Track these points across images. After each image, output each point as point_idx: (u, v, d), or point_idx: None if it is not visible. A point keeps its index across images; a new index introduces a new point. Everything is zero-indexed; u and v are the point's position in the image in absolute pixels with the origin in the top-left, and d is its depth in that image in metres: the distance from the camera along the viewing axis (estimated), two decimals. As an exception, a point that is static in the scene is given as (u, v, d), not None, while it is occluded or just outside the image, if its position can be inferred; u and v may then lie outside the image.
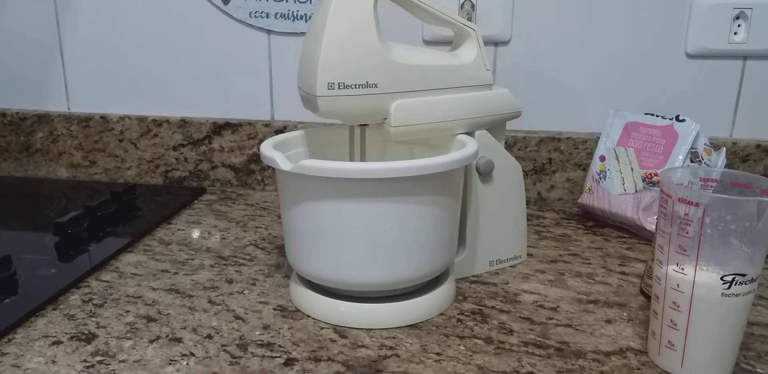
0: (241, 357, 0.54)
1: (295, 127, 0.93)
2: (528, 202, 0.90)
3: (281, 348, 0.55)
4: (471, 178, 0.66)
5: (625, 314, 0.61)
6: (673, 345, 0.51)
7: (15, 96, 1.01)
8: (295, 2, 0.90)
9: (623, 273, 0.70)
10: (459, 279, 0.68)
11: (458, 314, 0.61)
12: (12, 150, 1.02)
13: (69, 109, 1.01)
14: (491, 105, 0.66)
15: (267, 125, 0.94)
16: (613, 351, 0.55)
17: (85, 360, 0.53)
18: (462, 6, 0.85)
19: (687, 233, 0.48)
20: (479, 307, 0.62)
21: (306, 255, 0.59)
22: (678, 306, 0.50)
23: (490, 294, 0.65)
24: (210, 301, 0.63)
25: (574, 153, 0.88)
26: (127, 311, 0.61)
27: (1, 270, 0.65)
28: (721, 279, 0.48)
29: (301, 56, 0.61)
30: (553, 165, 0.89)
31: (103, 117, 0.98)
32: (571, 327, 0.59)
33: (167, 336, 0.57)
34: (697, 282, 0.48)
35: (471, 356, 0.54)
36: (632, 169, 0.80)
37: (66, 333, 0.57)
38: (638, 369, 0.52)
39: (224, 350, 0.55)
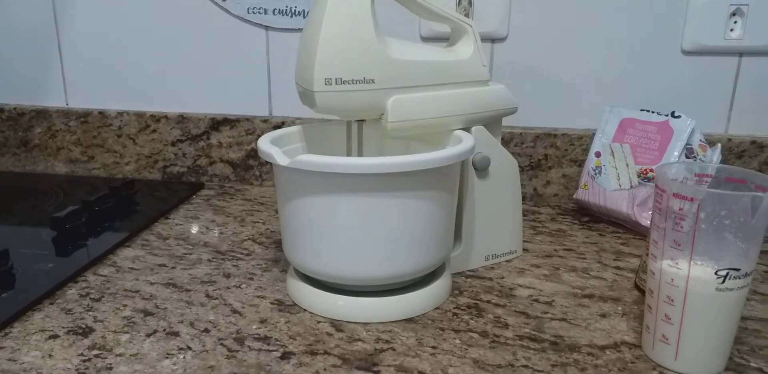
0: (237, 351, 0.54)
1: (293, 122, 0.94)
2: (524, 198, 0.91)
3: (278, 342, 0.55)
4: (467, 174, 0.66)
5: (619, 308, 0.62)
6: (667, 339, 0.51)
7: (13, 91, 1.01)
8: (292, -2, 0.90)
9: (618, 267, 0.71)
10: (455, 273, 0.68)
11: (454, 308, 0.61)
12: (10, 145, 1.02)
13: (67, 104, 1.01)
14: (488, 101, 0.67)
15: (265, 121, 0.94)
16: (608, 345, 0.55)
17: (81, 354, 0.53)
18: (459, 2, 0.85)
19: (682, 228, 0.48)
20: (475, 301, 0.63)
21: (303, 250, 0.60)
22: (672, 301, 0.50)
23: (485, 289, 0.65)
24: (207, 295, 0.63)
25: (570, 149, 0.88)
26: (125, 305, 0.61)
27: (-1, 264, 0.65)
28: (716, 273, 0.48)
29: (298, 52, 0.61)
30: (548, 161, 0.89)
31: (101, 112, 0.98)
32: (565, 321, 0.59)
33: (164, 330, 0.57)
34: (691, 277, 0.49)
35: (466, 350, 0.54)
36: (627, 165, 0.80)
37: (63, 327, 0.57)
38: (632, 362, 0.53)
39: (221, 344, 0.55)
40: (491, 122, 0.68)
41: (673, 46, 0.85)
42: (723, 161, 0.83)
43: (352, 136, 0.67)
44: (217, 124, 0.96)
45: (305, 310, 0.61)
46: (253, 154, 0.96)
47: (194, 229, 0.80)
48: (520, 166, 0.72)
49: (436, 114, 0.63)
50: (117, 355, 0.53)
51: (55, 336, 0.56)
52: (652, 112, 0.81)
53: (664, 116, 0.80)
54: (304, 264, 0.60)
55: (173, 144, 0.98)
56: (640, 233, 0.80)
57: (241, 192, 0.94)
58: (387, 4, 0.65)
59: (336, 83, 0.58)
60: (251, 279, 0.67)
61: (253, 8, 0.91)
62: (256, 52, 0.94)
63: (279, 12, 0.91)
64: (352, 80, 0.58)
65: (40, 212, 0.83)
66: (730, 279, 0.48)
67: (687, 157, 0.78)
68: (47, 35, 0.97)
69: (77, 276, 0.67)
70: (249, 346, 0.55)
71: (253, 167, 0.97)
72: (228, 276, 0.68)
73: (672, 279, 0.50)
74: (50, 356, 0.53)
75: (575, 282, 0.67)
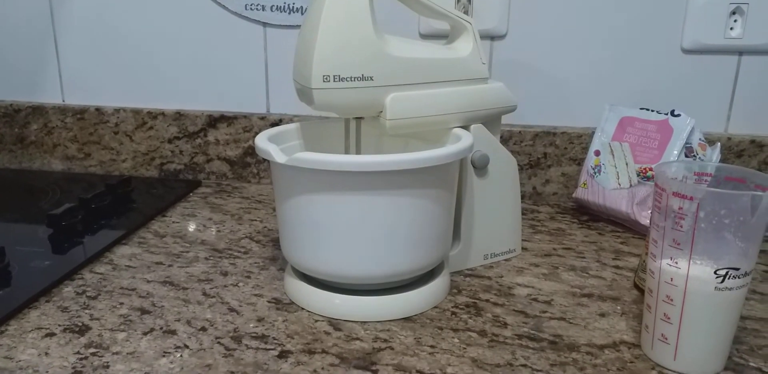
0: (235, 350, 0.54)
1: (290, 120, 0.93)
2: (523, 196, 0.91)
3: (275, 341, 0.55)
4: (466, 172, 0.66)
5: (618, 308, 0.61)
6: (666, 339, 0.51)
7: (9, 87, 1.00)
8: (291, -5, 0.90)
9: (617, 267, 0.70)
10: (453, 272, 0.68)
11: (452, 307, 0.61)
12: (6, 142, 1.02)
13: (64, 100, 1.00)
14: (487, 99, 0.66)
15: (263, 118, 0.94)
16: (607, 344, 0.55)
17: (78, 352, 0.53)
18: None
19: (681, 227, 0.48)
20: (473, 300, 0.62)
21: (301, 248, 0.59)
22: (671, 300, 0.50)
23: (484, 288, 0.65)
24: (204, 294, 0.63)
25: (569, 147, 0.88)
26: (121, 303, 0.61)
27: (-5, 261, 0.65)
28: (715, 273, 0.48)
29: (296, 49, 0.61)
30: (548, 159, 0.89)
31: (98, 109, 0.98)
32: (564, 321, 0.59)
33: (161, 328, 0.57)
34: (690, 276, 0.48)
35: (465, 349, 0.54)
36: (627, 164, 0.80)
37: (59, 325, 0.57)
38: (631, 362, 0.53)
39: (218, 342, 0.55)
40: (490, 120, 0.68)
41: (673, 45, 0.85)
42: (722, 160, 0.83)
43: (351, 133, 0.66)
44: (215, 121, 0.95)
45: (303, 309, 0.60)
46: (251, 151, 0.96)
47: (191, 227, 0.80)
48: (519, 165, 0.72)
49: (435, 111, 0.63)
50: (114, 353, 0.53)
51: (51, 334, 0.55)
52: (652, 111, 0.81)
53: (664, 115, 0.80)
54: (302, 262, 0.60)
55: (170, 141, 0.97)
56: (640, 232, 0.79)
57: (238, 190, 0.94)
58: (386, 1, 0.64)
59: (334, 80, 0.58)
60: (248, 277, 0.67)
61: (251, 5, 0.91)
62: (254, 49, 0.93)
63: (277, 8, 0.91)
64: (351, 77, 0.58)
65: (36, 209, 0.83)
66: (729, 278, 0.48)
67: (687, 156, 0.77)
68: (44, 31, 0.97)
69: (73, 274, 0.66)
70: (246, 345, 0.54)
71: (250, 165, 0.97)
72: (225, 274, 0.67)
73: (671, 279, 0.49)
74: (47, 354, 0.52)
75: (574, 282, 0.67)
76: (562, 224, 0.83)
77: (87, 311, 0.59)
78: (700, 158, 0.77)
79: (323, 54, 0.57)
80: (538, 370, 0.51)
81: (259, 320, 0.58)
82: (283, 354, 0.53)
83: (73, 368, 0.51)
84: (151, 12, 0.94)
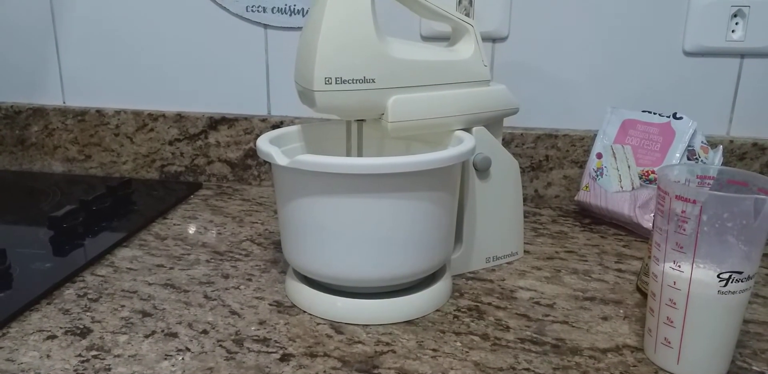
0: (236, 353, 0.53)
1: (291, 122, 0.93)
2: (525, 199, 0.90)
3: (277, 344, 0.55)
4: (468, 175, 0.66)
5: (621, 311, 0.61)
6: (669, 343, 0.51)
7: (10, 89, 1.00)
8: (292, -3, 0.90)
9: (619, 270, 0.70)
10: (455, 275, 0.68)
11: (455, 310, 0.61)
12: (7, 143, 1.01)
13: (64, 102, 1.00)
14: (489, 101, 0.66)
15: (263, 120, 0.94)
16: (610, 348, 0.55)
17: (79, 355, 0.53)
18: (460, 1, 0.85)
19: (684, 230, 0.48)
20: (476, 304, 0.62)
21: (302, 251, 0.59)
22: (674, 304, 0.50)
23: (486, 291, 0.65)
24: (206, 296, 0.63)
25: (571, 150, 0.88)
26: (123, 306, 0.61)
27: (-4, 264, 0.65)
28: (718, 276, 0.48)
29: (298, 51, 0.61)
30: (550, 162, 0.89)
31: (98, 111, 0.98)
32: (567, 324, 0.59)
33: (162, 331, 0.57)
34: (693, 280, 0.48)
35: (467, 352, 0.54)
36: (629, 167, 0.80)
37: (61, 328, 0.57)
38: (634, 366, 0.52)
39: (220, 345, 0.54)
40: (492, 122, 0.68)
41: (674, 47, 0.85)
42: (724, 163, 0.83)
43: (352, 136, 0.66)
44: (215, 123, 0.95)
45: (304, 312, 0.60)
46: (252, 153, 0.96)
47: (192, 230, 0.80)
48: (521, 167, 0.72)
49: (437, 114, 0.63)
50: (115, 356, 0.53)
51: (53, 337, 0.55)
52: (654, 114, 0.81)
53: (666, 117, 0.80)
54: (304, 265, 0.60)
55: (171, 143, 0.97)
56: (642, 235, 0.79)
57: (239, 192, 0.94)
58: (387, 3, 0.64)
59: (336, 82, 0.57)
60: (250, 280, 0.66)
61: (252, 6, 0.91)
62: (255, 51, 0.93)
63: (278, 10, 0.91)
64: (352, 79, 0.58)
65: (37, 211, 0.83)
66: (732, 282, 0.48)
67: (689, 159, 0.77)
68: (45, 33, 0.97)
69: (75, 277, 0.66)
70: (248, 348, 0.54)
71: (251, 167, 0.97)
72: (226, 277, 0.67)
73: (674, 282, 0.49)
74: (48, 356, 0.52)
75: (577, 285, 0.67)
76: (564, 227, 0.82)
77: (88, 313, 0.59)
78: (702, 161, 0.77)
79: (325, 56, 0.57)
80: (540, 374, 0.51)
81: (261, 323, 0.58)
82: (284, 358, 0.53)
83: (75, 370, 0.51)
84: (152, 14, 0.94)
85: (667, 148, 0.78)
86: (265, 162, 0.94)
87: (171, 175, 0.99)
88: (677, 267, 0.49)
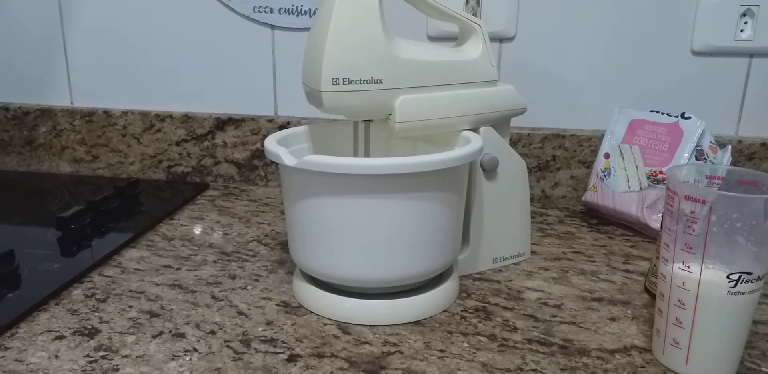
0: (244, 353, 0.53)
1: (298, 122, 0.93)
2: (532, 199, 0.90)
3: (284, 344, 0.55)
4: (475, 175, 0.66)
5: (629, 312, 0.61)
6: (678, 344, 0.51)
7: (18, 90, 1.01)
8: (299, -3, 0.90)
9: (627, 270, 0.70)
10: (462, 276, 0.68)
11: (462, 311, 0.61)
12: (15, 144, 1.02)
13: (72, 103, 1.00)
14: (496, 101, 0.66)
15: (270, 121, 0.94)
16: (618, 348, 0.55)
17: (88, 355, 0.53)
18: (467, 1, 0.85)
19: (693, 231, 0.48)
20: (483, 304, 0.62)
21: (309, 252, 0.59)
22: (683, 305, 0.49)
23: (493, 292, 0.65)
24: (213, 297, 0.63)
25: (579, 150, 0.88)
26: (130, 306, 0.61)
27: (4, 264, 0.65)
28: (727, 277, 0.47)
29: (305, 51, 0.61)
30: (557, 162, 0.89)
31: (106, 112, 0.98)
32: (575, 325, 0.59)
33: (170, 331, 0.57)
34: (702, 281, 0.48)
35: (475, 353, 0.54)
36: (637, 167, 0.80)
37: (69, 328, 0.57)
38: (642, 367, 0.52)
39: (227, 346, 0.55)
40: (499, 123, 0.68)
41: (683, 47, 0.84)
42: (733, 163, 0.82)
43: (359, 136, 0.66)
44: (222, 123, 0.95)
45: (312, 312, 0.60)
46: (258, 154, 0.96)
47: (199, 230, 0.80)
48: (528, 167, 0.72)
49: (444, 114, 0.63)
50: (123, 356, 0.53)
51: (61, 337, 0.55)
52: (662, 113, 0.81)
53: (674, 117, 0.80)
54: (311, 266, 0.60)
55: (178, 144, 0.97)
56: (650, 235, 0.79)
57: (246, 193, 0.94)
58: (395, 4, 0.64)
59: (343, 83, 0.57)
60: (257, 280, 0.67)
61: (259, 7, 0.91)
62: (262, 52, 0.93)
63: (285, 11, 0.91)
64: (360, 80, 0.58)
65: (45, 212, 0.83)
66: (741, 282, 0.47)
67: (697, 159, 0.77)
68: (53, 34, 0.97)
69: (83, 277, 0.66)
70: (255, 348, 0.54)
71: (258, 167, 0.97)
72: (234, 277, 0.67)
73: (683, 283, 0.49)
74: (56, 357, 0.52)
75: (584, 286, 0.66)
76: (571, 227, 0.82)
77: (96, 314, 0.59)
78: (710, 161, 0.77)
79: (332, 56, 0.57)
80: (548, 375, 0.51)
81: (268, 323, 0.58)
82: (292, 358, 0.53)
83: (83, 371, 0.51)
84: (159, 15, 0.94)
85: (676, 148, 0.78)
86: (272, 162, 0.95)
87: (178, 176, 0.99)
88: (686, 268, 0.49)
